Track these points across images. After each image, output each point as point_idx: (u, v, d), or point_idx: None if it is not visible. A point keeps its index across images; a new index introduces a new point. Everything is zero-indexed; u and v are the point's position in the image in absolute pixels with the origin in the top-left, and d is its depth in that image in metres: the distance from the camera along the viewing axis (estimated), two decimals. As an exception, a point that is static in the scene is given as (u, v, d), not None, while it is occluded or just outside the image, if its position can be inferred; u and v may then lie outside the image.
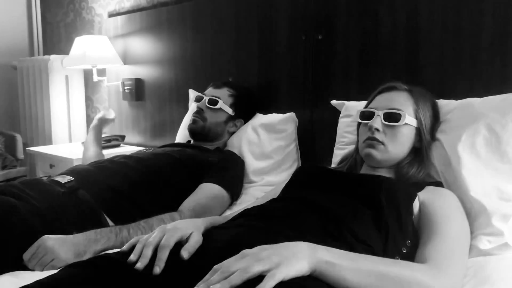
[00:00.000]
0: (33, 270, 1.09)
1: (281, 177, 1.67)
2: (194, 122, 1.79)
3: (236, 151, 1.77)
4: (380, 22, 1.58)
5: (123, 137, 2.52)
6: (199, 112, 1.80)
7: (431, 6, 1.46)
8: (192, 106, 2.05)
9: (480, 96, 1.30)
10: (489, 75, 1.36)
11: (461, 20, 1.40)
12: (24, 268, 1.10)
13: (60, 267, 1.01)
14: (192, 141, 1.85)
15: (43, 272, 1.06)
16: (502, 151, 1.14)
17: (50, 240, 1.11)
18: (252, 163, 1.75)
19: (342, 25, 1.68)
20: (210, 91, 1.85)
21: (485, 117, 1.19)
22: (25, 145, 3.12)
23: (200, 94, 1.86)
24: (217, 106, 1.78)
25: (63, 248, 1.11)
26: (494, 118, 1.18)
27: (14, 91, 3.43)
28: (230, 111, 1.81)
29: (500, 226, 1.06)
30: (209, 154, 1.67)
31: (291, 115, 1.79)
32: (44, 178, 1.42)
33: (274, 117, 1.82)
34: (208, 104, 1.79)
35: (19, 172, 3.08)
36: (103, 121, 2.08)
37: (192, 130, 1.80)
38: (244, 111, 1.86)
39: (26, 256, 1.11)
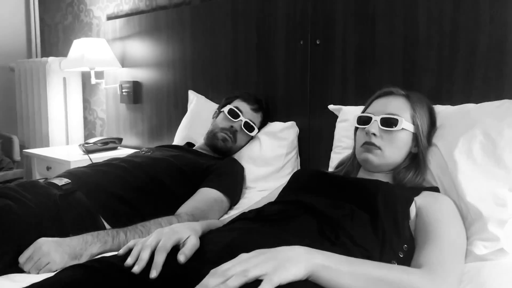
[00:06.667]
0: (28, 273, 1.08)
1: (281, 184, 1.66)
2: (224, 140, 1.72)
3: (236, 156, 1.77)
4: (377, 27, 1.59)
5: (120, 140, 2.52)
6: (233, 133, 1.73)
7: (428, 12, 1.47)
8: (202, 113, 2.03)
9: (476, 102, 1.31)
10: (486, 82, 1.37)
11: (458, 27, 1.41)
12: (20, 271, 1.09)
13: (56, 270, 1.01)
14: (195, 146, 1.83)
15: (39, 275, 1.06)
16: (498, 157, 1.14)
17: (46, 243, 1.11)
18: (251, 169, 1.74)
19: (340, 30, 1.68)
20: (248, 112, 1.75)
21: (481, 123, 1.20)
22: (22, 147, 3.12)
23: (234, 108, 1.73)
24: (252, 134, 1.76)
25: (59, 251, 1.11)
26: (490, 124, 1.18)
27: (11, 92, 3.42)
28: (254, 133, 1.79)
29: (496, 231, 1.06)
30: (209, 160, 1.67)
31: (292, 123, 1.80)
32: (41, 181, 1.41)
33: (275, 125, 1.83)
34: (243, 127, 1.74)
35: (15, 174, 3.07)
36: None
37: (219, 147, 1.73)
38: (259, 131, 1.84)
39: (21, 259, 1.10)
